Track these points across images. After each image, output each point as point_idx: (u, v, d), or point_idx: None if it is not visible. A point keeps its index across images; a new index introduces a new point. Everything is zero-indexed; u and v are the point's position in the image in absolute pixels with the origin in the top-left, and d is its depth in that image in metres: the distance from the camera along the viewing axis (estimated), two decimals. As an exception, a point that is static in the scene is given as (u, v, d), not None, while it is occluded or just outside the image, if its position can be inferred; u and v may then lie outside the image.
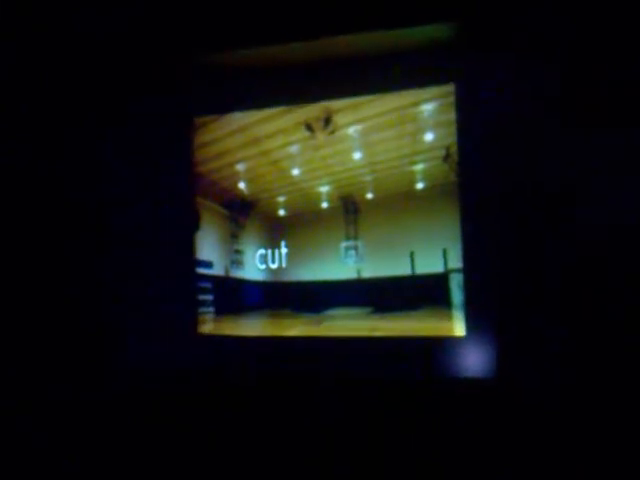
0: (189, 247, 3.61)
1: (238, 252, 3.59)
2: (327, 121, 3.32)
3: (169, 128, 3.54)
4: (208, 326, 3.60)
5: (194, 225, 3.62)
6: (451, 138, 3.08)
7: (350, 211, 3.34)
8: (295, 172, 3.48)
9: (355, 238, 3.33)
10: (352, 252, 3.33)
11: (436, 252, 3.12)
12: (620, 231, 2.61)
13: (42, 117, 3.25)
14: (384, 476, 2.80)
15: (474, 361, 2.96)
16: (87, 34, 3.13)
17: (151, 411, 3.24)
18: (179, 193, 3.57)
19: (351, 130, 3.31)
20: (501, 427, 2.73)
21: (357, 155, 3.33)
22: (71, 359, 3.23)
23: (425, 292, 3.15)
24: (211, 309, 3.61)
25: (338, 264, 3.36)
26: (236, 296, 3.60)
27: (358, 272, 3.32)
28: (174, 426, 3.18)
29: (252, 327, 3.52)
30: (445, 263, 3.09)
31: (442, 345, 3.05)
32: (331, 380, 3.07)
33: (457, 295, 3.06)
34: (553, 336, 2.71)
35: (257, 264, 3.53)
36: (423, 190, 3.18)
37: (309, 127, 3.36)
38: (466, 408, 2.82)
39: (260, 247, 3.54)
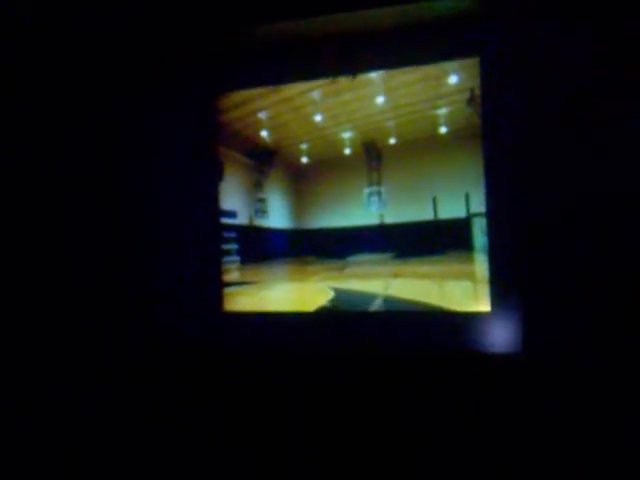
0: (213, 221, 3.67)
1: (262, 201, 3.61)
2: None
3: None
4: (233, 275, 3.63)
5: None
6: (475, 81, 3.03)
7: (373, 157, 3.34)
8: (317, 119, 3.47)
9: (378, 184, 3.33)
10: (375, 198, 3.34)
11: (458, 197, 3.12)
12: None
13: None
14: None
15: (500, 336, 2.97)
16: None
17: (171, 387, 3.37)
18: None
19: (374, 74, 3.28)
20: (530, 404, 2.76)
21: (379, 100, 3.30)
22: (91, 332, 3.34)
23: (448, 237, 3.15)
24: (236, 258, 3.64)
25: (361, 210, 3.37)
26: (261, 244, 3.64)
27: (381, 218, 3.33)
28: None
29: (276, 276, 3.55)
30: (467, 207, 3.08)
31: (467, 320, 3.07)
32: (357, 357, 3.13)
33: (479, 239, 3.06)
34: (583, 310, 2.70)
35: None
36: (446, 134, 3.16)
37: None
38: (492, 385, 2.85)
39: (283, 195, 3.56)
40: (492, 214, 2.99)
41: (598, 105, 2.66)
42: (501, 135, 2.94)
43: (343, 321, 3.32)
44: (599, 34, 2.65)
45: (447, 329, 3.09)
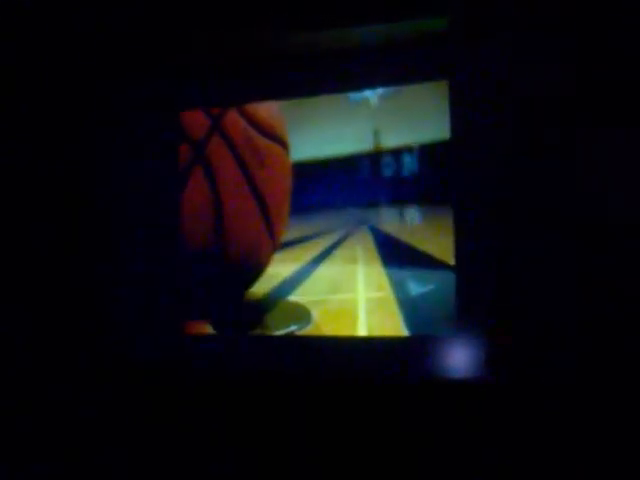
0: (171, 238, 3.57)
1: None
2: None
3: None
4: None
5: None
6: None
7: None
8: None
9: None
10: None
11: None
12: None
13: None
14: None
15: (464, 361, 2.92)
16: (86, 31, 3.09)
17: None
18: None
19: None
20: (496, 433, 2.73)
21: None
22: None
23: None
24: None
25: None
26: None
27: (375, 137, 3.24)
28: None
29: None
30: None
31: (428, 344, 3.03)
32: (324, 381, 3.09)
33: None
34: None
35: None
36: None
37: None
38: (455, 412, 2.81)
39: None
40: (460, 232, 2.97)
41: (566, 131, 2.67)
42: (471, 155, 2.93)
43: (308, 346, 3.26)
44: (568, 58, 2.68)
45: (407, 354, 3.05)
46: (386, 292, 3.12)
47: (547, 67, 2.72)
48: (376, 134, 3.18)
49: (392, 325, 3.09)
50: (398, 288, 3.10)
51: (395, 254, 3.13)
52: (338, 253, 3.23)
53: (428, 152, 3.09)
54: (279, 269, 3.35)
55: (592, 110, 2.64)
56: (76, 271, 3.38)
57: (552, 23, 2.68)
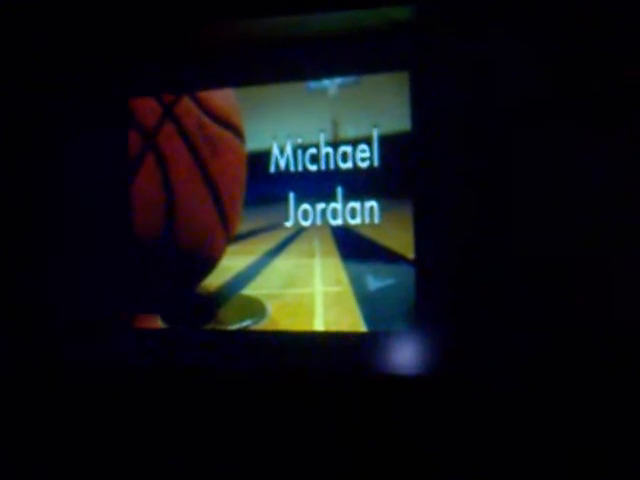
0: (124, 228, 3.43)
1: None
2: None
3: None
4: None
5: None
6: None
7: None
8: None
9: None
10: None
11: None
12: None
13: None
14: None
15: (421, 356, 2.87)
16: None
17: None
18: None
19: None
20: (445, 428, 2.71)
21: None
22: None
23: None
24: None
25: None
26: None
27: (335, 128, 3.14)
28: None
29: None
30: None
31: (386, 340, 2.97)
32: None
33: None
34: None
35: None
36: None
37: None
38: (411, 406, 2.78)
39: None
40: (420, 226, 2.92)
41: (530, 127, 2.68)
42: (431, 147, 2.89)
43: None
44: (530, 52, 2.67)
45: (364, 350, 2.99)
46: (344, 286, 3.05)
47: (513, 62, 2.69)
48: (334, 124, 3.10)
49: (350, 320, 3.02)
50: (356, 282, 3.03)
51: (354, 248, 3.05)
52: (295, 246, 3.14)
53: (388, 144, 3.01)
54: (233, 262, 3.24)
55: (558, 107, 2.63)
56: (18, 262, 3.22)
57: (519, 17, 2.66)
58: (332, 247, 3.08)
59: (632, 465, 2.39)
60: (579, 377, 2.54)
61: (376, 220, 3.02)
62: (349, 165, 3.08)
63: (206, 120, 3.29)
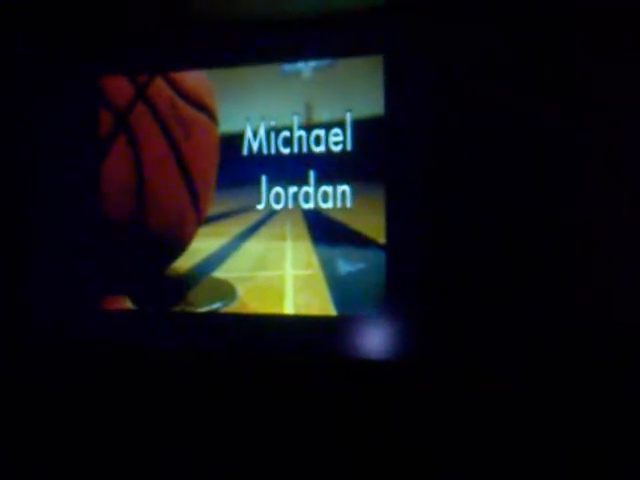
0: (93, 209, 3.39)
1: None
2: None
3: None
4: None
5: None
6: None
7: None
8: None
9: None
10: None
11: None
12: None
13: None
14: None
15: (390, 340, 2.88)
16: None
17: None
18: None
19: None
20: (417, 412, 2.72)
21: None
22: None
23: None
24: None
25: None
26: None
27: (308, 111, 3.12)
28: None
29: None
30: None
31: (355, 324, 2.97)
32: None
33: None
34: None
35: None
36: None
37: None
38: (376, 391, 2.79)
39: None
40: (391, 211, 2.92)
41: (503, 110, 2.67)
42: (404, 132, 2.88)
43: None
44: (506, 35, 2.68)
45: (333, 334, 2.98)
46: (315, 270, 3.04)
47: (488, 45, 2.70)
48: (308, 108, 3.09)
49: (320, 304, 3.02)
50: (327, 266, 3.03)
51: (325, 231, 3.05)
52: (266, 229, 3.13)
53: (361, 128, 3.01)
54: (204, 244, 3.23)
55: (533, 90, 2.64)
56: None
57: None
58: (303, 230, 3.08)
59: (632, 465, 2.38)
60: (566, 366, 2.56)
61: (348, 204, 3.01)
62: (322, 149, 3.07)
63: (179, 101, 3.26)
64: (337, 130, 3.04)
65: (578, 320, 2.55)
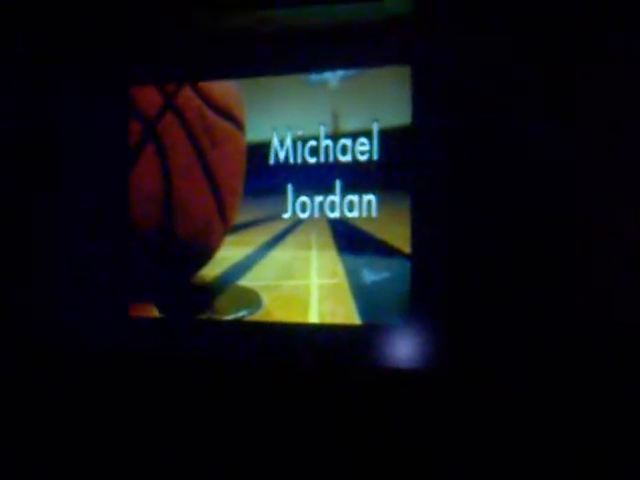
0: (122, 219, 3.42)
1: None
2: None
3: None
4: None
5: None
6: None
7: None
8: None
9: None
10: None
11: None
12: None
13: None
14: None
15: (415, 350, 2.87)
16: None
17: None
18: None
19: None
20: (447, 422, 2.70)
21: None
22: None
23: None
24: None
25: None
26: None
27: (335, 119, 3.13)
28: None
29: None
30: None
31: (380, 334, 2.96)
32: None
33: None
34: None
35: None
36: None
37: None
38: (405, 402, 2.77)
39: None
40: (417, 221, 2.92)
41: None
42: (431, 146, 2.88)
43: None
44: (532, 45, 2.67)
45: (358, 343, 2.98)
46: (340, 279, 3.05)
47: (514, 55, 2.69)
48: (335, 117, 3.10)
49: (344, 313, 3.02)
50: (352, 275, 3.03)
51: (351, 241, 3.05)
52: (292, 238, 3.14)
53: (388, 137, 3.01)
54: (230, 252, 3.25)
55: (561, 101, 2.63)
56: (15, 250, 3.24)
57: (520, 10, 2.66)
58: (329, 239, 3.08)
59: (632, 465, 2.38)
60: (576, 375, 2.55)
61: (373, 213, 3.02)
62: (348, 158, 3.08)
63: (207, 111, 3.29)
64: (364, 139, 3.04)
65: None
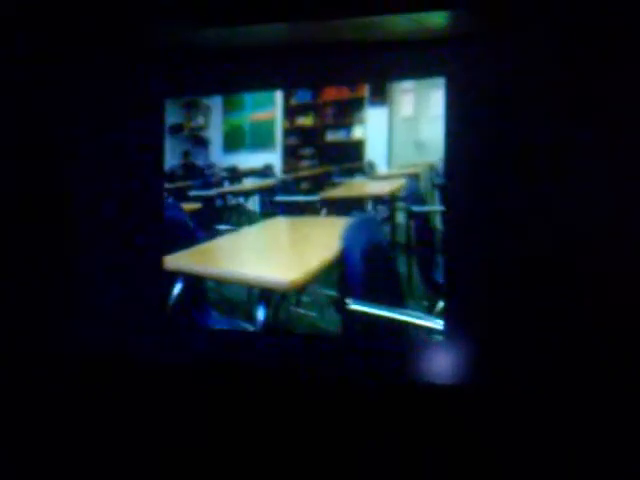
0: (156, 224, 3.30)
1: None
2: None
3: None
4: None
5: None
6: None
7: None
8: None
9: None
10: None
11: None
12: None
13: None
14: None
15: (452, 365, 2.78)
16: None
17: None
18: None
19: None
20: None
21: None
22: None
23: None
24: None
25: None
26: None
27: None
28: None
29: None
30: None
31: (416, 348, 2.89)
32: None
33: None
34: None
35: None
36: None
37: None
38: (440, 416, 2.69)
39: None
40: (452, 234, 2.85)
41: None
42: (466, 159, 2.84)
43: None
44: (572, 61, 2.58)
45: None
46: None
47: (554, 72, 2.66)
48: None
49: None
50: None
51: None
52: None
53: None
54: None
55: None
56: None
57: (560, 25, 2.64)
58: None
59: (632, 464, 2.34)
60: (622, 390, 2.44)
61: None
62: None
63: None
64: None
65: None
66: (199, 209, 3.26)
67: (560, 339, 2.57)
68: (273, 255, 3.12)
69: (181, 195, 3.30)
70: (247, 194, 3.20)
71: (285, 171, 3.10)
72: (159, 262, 3.25)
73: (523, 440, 2.54)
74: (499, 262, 2.71)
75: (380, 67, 3.00)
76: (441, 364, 2.79)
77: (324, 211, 3.02)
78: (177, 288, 3.23)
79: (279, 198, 3.10)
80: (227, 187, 3.23)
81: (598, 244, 2.55)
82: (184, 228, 3.24)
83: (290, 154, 3.09)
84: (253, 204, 3.21)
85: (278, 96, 3.13)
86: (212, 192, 3.23)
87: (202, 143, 3.28)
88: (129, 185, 3.27)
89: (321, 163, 3.03)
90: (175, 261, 3.19)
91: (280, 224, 3.14)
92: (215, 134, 3.26)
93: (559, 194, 2.62)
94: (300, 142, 3.09)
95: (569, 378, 2.54)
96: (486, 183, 2.76)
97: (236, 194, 3.21)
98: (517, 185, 2.69)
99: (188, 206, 3.28)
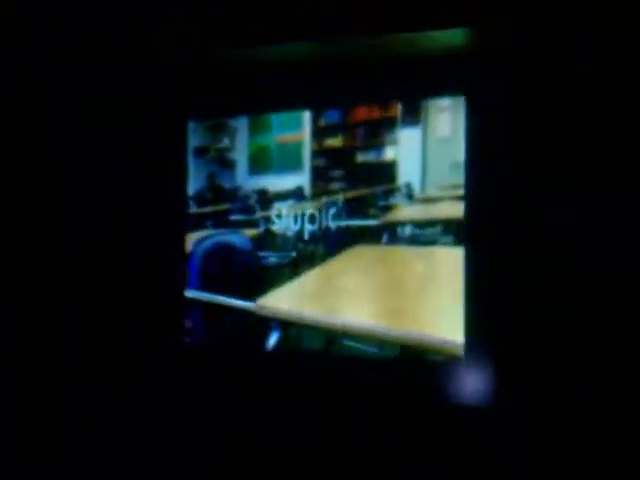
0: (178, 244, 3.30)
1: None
2: None
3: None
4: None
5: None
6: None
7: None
8: None
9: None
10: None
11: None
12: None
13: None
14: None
15: (473, 386, 2.76)
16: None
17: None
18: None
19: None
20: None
21: None
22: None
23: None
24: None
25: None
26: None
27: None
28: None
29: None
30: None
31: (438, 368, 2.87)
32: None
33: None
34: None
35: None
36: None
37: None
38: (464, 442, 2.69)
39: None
40: (471, 252, 2.82)
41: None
42: (486, 176, 2.83)
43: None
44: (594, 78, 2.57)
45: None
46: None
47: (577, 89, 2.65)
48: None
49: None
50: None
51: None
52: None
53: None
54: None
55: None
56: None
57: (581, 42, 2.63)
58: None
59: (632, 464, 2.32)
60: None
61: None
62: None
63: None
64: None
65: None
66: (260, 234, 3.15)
67: (584, 362, 2.57)
68: (427, 306, 2.83)
69: (218, 219, 3.23)
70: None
71: (315, 194, 3.03)
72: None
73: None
74: (523, 281, 2.69)
75: (399, 85, 3.00)
76: (460, 385, 2.77)
77: (385, 237, 2.94)
78: (274, 338, 3.08)
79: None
80: (267, 210, 3.14)
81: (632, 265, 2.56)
82: (250, 256, 3.14)
83: (318, 176, 3.03)
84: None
85: (306, 117, 3.07)
86: (256, 216, 3.14)
87: (228, 165, 3.21)
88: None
89: (351, 185, 2.97)
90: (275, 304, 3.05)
91: (387, 257, 2.95)
92: (241, 156, 3.20)
93: (588, 212, 2.61)
94: (329, 164, 3.03)
95: (592, 402, 2.54)
96: (507, 210, 2.75)
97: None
98: (540, 211, 2.68)
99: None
